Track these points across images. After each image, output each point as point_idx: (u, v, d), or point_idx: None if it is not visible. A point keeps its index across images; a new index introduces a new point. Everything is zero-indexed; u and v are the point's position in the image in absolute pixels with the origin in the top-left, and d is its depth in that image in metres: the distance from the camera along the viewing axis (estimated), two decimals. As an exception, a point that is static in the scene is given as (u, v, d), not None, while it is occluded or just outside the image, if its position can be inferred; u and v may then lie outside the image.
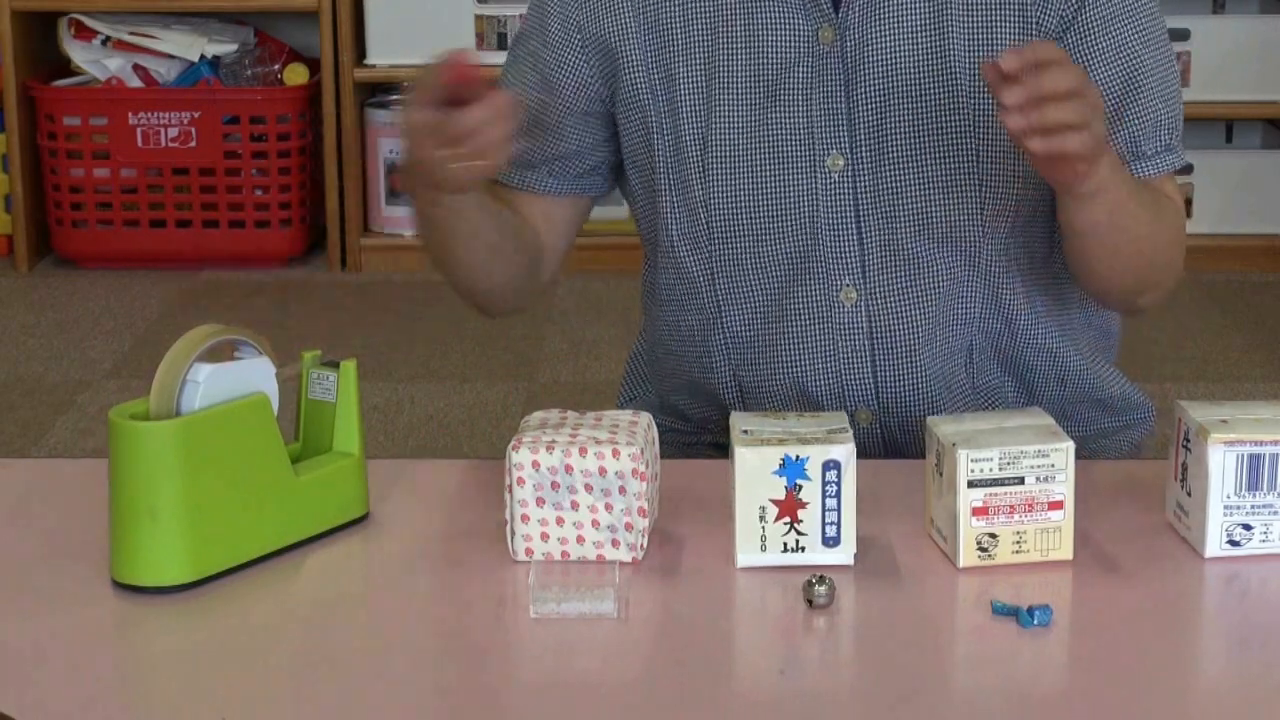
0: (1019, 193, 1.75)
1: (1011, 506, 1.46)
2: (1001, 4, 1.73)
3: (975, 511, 1.45)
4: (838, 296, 1.76)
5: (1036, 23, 1.73)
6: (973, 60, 1.72)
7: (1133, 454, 1.90)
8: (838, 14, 1.73)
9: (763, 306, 1.78)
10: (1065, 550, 1.47)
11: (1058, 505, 1.46)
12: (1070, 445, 1.46)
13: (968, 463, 1.45)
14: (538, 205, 1.84)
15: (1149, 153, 1.77)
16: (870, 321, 1.77)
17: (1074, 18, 1.73)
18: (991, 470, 1.45)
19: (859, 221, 1.75)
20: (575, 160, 1.83)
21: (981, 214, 1.75)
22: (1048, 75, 1.51)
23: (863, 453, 1.75)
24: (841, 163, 1.73)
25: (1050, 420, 1.50)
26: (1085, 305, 1.85)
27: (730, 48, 1.75)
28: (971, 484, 1.45)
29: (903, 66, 1.73)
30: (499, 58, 5.37)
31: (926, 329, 1.77)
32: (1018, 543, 1.46)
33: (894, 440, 1.79)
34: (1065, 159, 1.56)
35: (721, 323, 1.80)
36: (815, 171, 1.74)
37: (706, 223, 1.76)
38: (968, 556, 1.46)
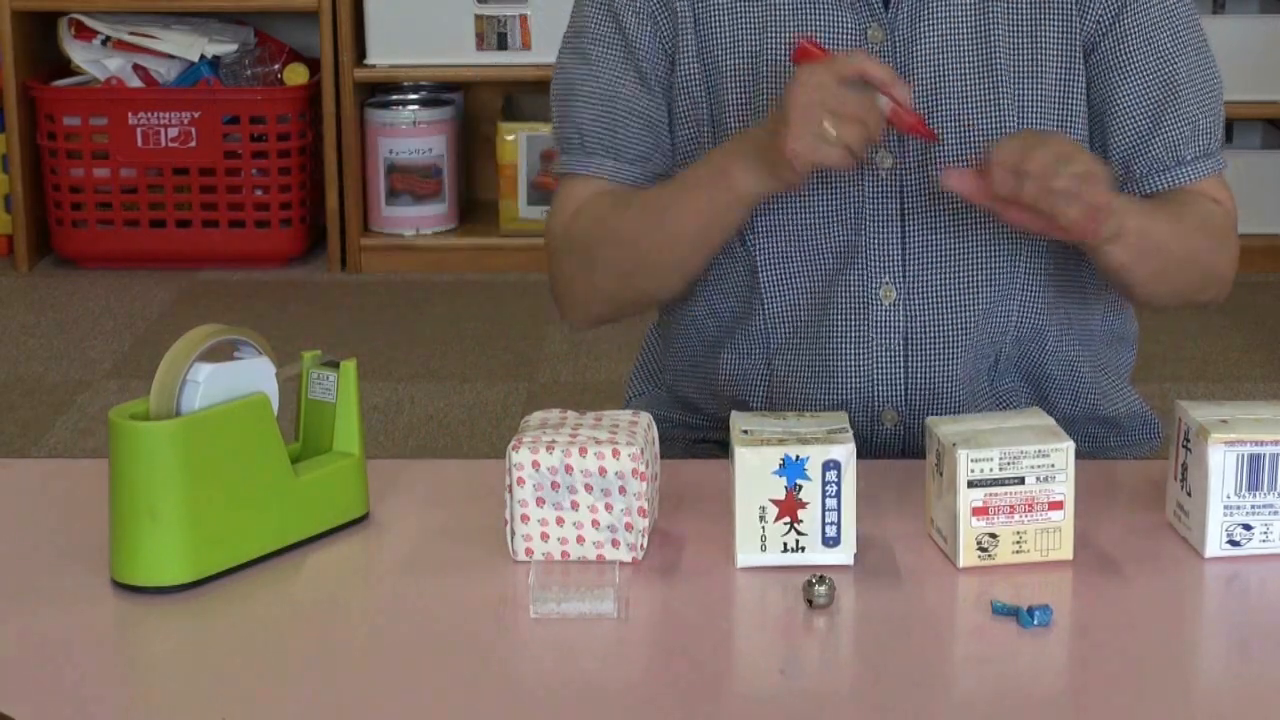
0: None
1: (1011, 506, 1.46)
2: (1043, 5, 1.74)
3: (975, 511, 1.45)
4: (877, 294, 1.76)
5: (1078, 26, 1.75)
6: (1017, 60, 1.75)
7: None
8: (887, 12, 1.74)
9: (803, 298, 1.78)
10: (1065, 550, 1.47)
11: (1058, 505, 1.46)
12: (1070, 445, 1.46)
13: (968, 463, 1.45)
14: None
15: (1189, 158, 1.78)
16: (907, 321, 1.77)
17: (1111, 24, 1.75)
18: (991, 470, 1.45)
19: (903, 220, 1.75)
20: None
21: None
22: (1033, 154, 1.57)
23: (884, 454, 1.76)
24: (890, 161, 1.74)
25: (1050, 420, 1.50)
26: (1109, 318, 1.86)
27: (777, 44, 1.76)
28: (971, 484, 1.45)
29: (950, 66, 1.74)
30: (499, 58, 5.31)
31: (961, 333, 1.77)
32: (1018, 543, 1.46)
33: (917, 444, 1.79)
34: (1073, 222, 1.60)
35: (762, 310, 1.80)
36: (863, 168, 1.74)
37: (752, 214, 1.76)
38: (968, 556, 1.46)
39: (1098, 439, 1.85)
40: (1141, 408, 1.89)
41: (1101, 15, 1.75)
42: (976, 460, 1.45)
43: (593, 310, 1.87)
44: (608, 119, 1.81)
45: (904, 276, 1.76)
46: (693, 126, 1.80)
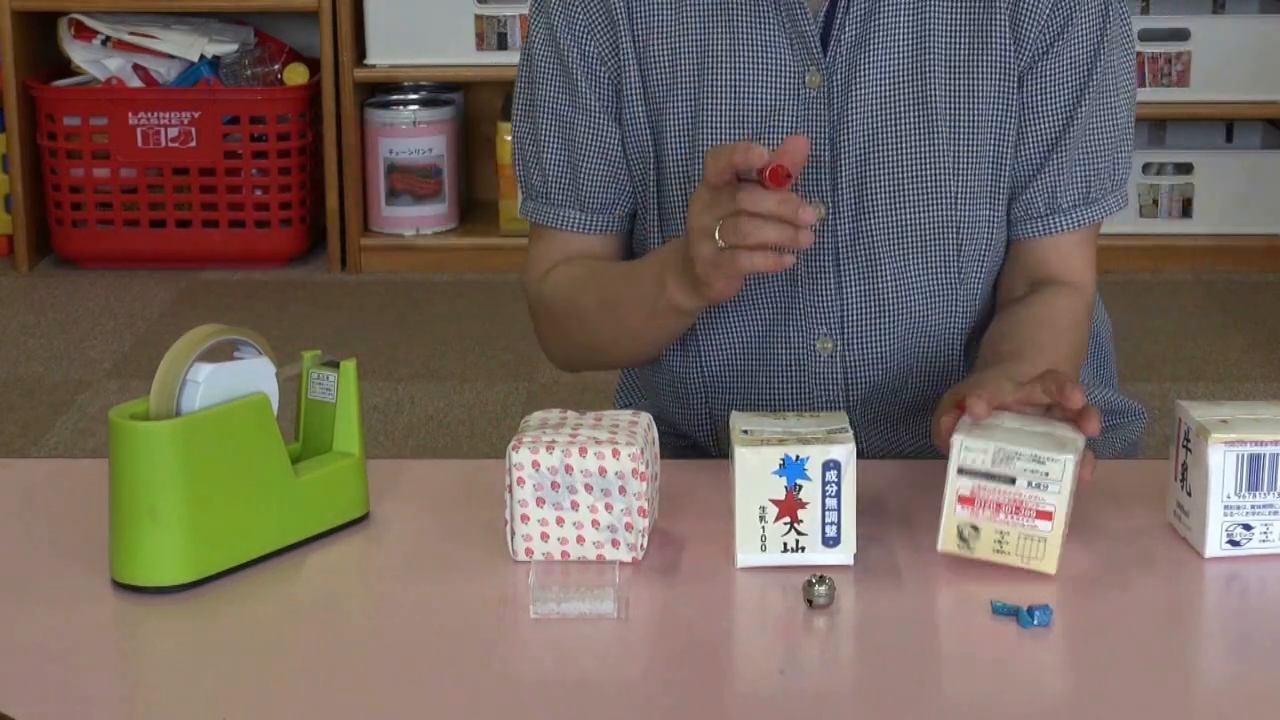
0: (995, 235, 1.75)
1: (998, 504, 1.45)
2: (980, 49, 1.72)
3: (961, 500, 1.45)
4: (814, 345, 1.76)
5: (1014, 66, 1.73)
6: (951, 102, 1.72)
7: (1128, 453, 1.90)
8: (825, 56, 1.72)
9: (740, 351, 1.78)
10: (1049, 563, 1.45)
11: (1046, 515, 1.44)
12: (1070, 459, 1.44)
13: (961, 448, 1.44)
14: (613, 245, 1.83)
15: (1065, 205, 1.76)
16: (845, 370, 1.76)
17: (1036, 61, 1.73)
18: (984, 463, 1.44)
19: (838, 270, 1.74)
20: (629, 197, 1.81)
21: (959, 259, 1.75)
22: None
23: None
24: (822, 211, 1.72)
25: (1076, 435, 1.47)
26: None
27: (715, 87, 1.73)
28: (961, 470, 1.45)
29: (886, 112, 1.72)
30: (499, 58, 5.31)
31: (903, 379, 1.77)
32: (999, 542, 1.45)
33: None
34: None
35: (699, 364, 1.79)
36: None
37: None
38: (947, 542, 1.45)
39: None
40: (1121, 400, 1.89)
41: (1034, 50, 1.73)
42: (970, 449, 1.44)
43: (571, 365, 1.91)
44: (570, 166, 1.79)
45: (841, 327, 1.75)
46: (640, 168, 1.78)
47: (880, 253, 1.73)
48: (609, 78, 1.77)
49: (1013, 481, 1.45)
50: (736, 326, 1.77)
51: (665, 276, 1.65)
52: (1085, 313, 1.79)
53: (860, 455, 1.75)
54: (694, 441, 1.87)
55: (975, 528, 1.45)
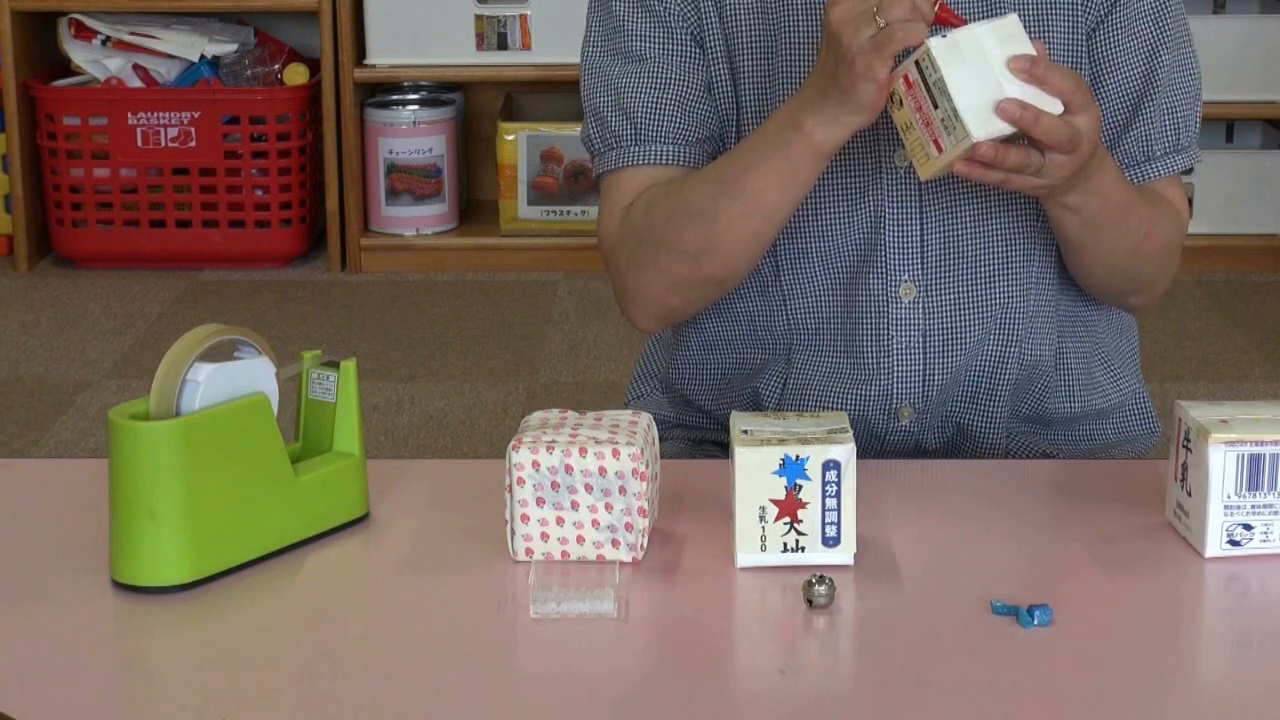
0: None
1: (921, 106, 1.56)
2: (1049, 4, 1.76)
3: (907, 80, 1.56)
4: (897, 292, 1.77)
5: (1082, 21, 1.77)
6: None
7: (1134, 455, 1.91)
8: None
9: (825, 297, 1.79)
10: (924, 170, 1.59)
11: (938, 146, 1.55)
12: (967, 143, 1.53)
13: (928, 51, 1.54)
14: None
15: (1159, 153, 1.80)
16: (926, 318, 1.77)
17: (1105, 16, 1.77)
18: (931, 75, 1.55)
19: (922, 218, 1.76)
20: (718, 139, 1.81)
21: (1038, 213, 1.76)
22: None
23: (899, 450, 1.76)
24: (908, 160, 1.73)
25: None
26: (1110, 309, 1.86)
27: (792, 39, 1.75)
28: (918, 63, 1.55)
29: None
30: (499, 58, 5.30)
31: (980, 328, 1.78)
32: (907, 125, 1.57)
33: (932, 440, 1.79)
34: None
35: (784, 310, 1.80)
36: (881, 167, 1.75)
37: None
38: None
39: (1095, 435, 1.86)
40: (1140, 397, 1.89)
41: (1100, 9, 1.77)
42: (932, 59, 1.54)
43: (662, 302, 1.79)
44: (660, 107, 1.77)
45: (923, 274, 1.77)
46: (723, 123, 1.79)
47: (963, 201, 1.76)
48: (692, 30, 1.78)
49: (935, 106, 1.54)
50: (822, 272, 1.78)
51: (800, 117, 1.64)
52: (1175, 231, 1.80)
53: (927, 407, 1.76)
54: (706, 435, 1.87)
55: (901, 102, 1.57)
